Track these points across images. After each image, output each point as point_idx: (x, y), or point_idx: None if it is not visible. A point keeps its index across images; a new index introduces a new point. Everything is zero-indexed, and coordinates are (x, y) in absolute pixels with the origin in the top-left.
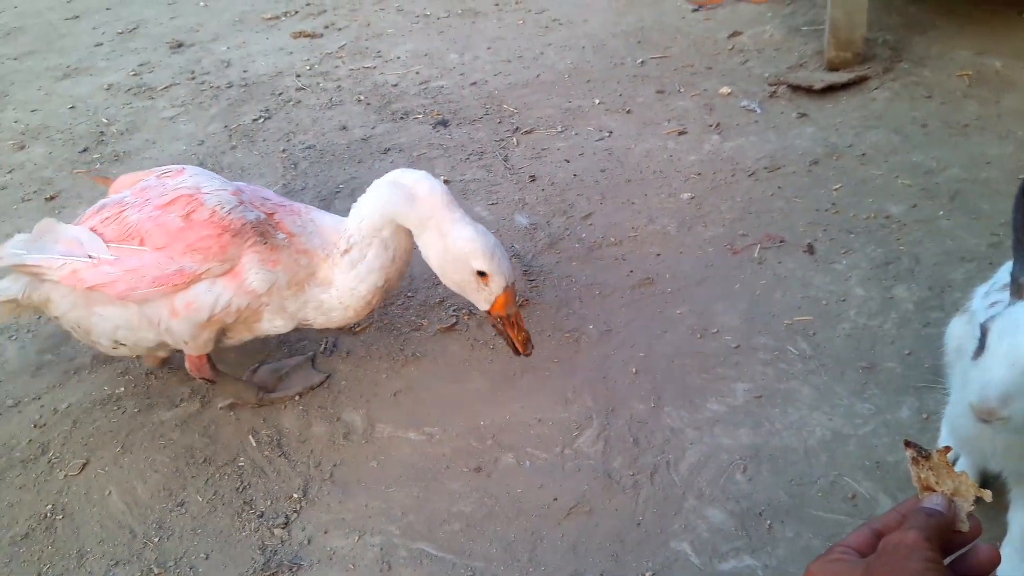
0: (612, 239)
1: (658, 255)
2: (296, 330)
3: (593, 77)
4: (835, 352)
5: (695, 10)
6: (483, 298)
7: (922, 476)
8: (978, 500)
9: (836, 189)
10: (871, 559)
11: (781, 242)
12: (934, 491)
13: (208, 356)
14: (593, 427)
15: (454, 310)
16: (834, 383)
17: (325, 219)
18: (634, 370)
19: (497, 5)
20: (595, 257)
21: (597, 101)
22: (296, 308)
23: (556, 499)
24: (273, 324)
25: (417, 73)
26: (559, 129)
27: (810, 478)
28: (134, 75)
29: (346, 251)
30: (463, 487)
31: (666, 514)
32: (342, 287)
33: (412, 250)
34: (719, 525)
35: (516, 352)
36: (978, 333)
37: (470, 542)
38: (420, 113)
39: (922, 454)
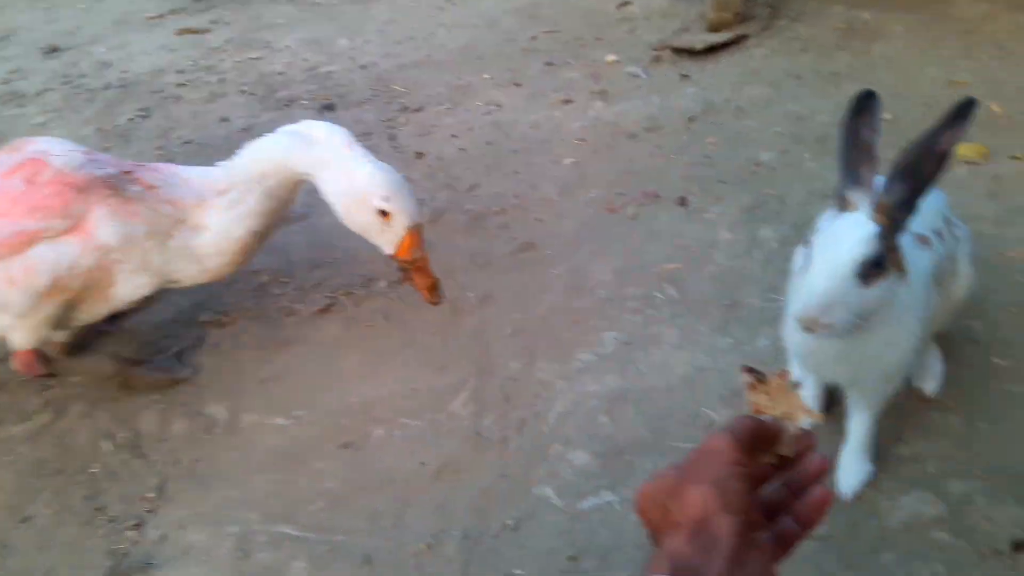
0: (496, 208)
1: (540, 220)
2: (158, 329)
3: (485, 54)
4: (701, 294)
5: None
6: (387, 240)
7: (756, 400)
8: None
9: (711, 143)
10: (684, 463)
11: (656, 197)
12: (763, 414)
13: (39, 351)
14: (467, 390)
15: (330, 291)
16: (698, 323)
17: (192, 172)
18: (510, 331)
19: None
20: (479, 227)
21: (487, 76)
22: (163, 261)
23: (424, 464)
24: (132, 285)
25: (305, 60)
26: (448, 106)
27: (670, 412)
28: (3, 83)
29: (223, 192)
30: (329, 465)
31: (532, 463)
32: (217, 228)
33: (293, 201)
34: (582, 467)
35: (425, 299)
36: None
37: (333, 518)
38: (306, 99)
39: (759, 379)
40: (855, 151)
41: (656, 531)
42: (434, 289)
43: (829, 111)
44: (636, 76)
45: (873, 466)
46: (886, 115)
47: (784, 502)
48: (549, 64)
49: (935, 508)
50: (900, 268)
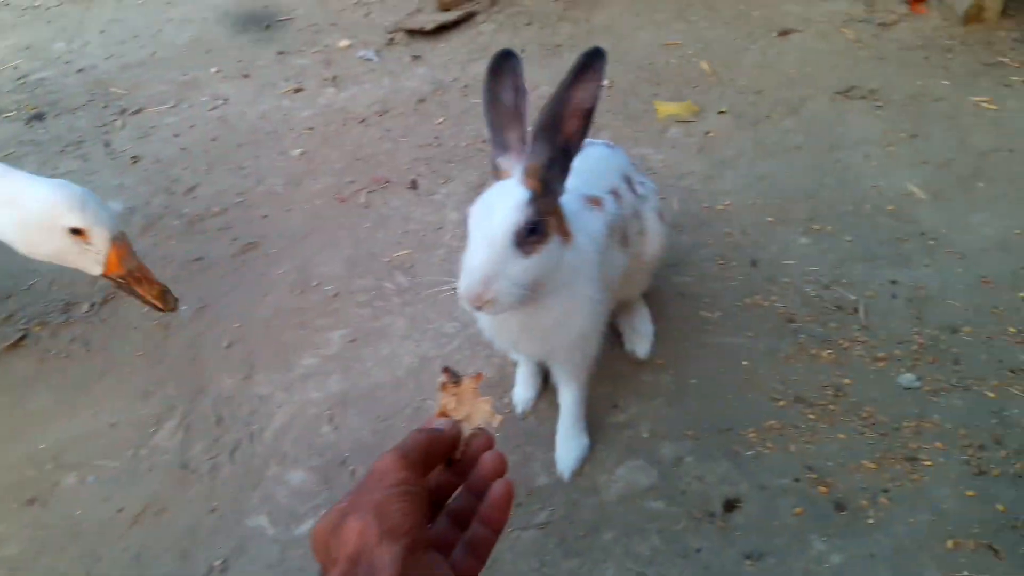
0: (217, 208)
1: (265, 217)
2: None
3: (214, 47)
4: (430, 278)
5: None
6: (90, 261)
7: (445, 402)
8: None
9: (439, 123)
10: (352, 491)
11: (386, 183)
12: (448, 416)
13: None
14: (175, 417)
15: (22, 324)
16: (427, 309)
17: None
18: (227, 343)
19: None
20: (197, 231)
21: (215, 70)
22: None
23: (121, 509)
24: None
25: (15, 68)
26: (172, 104)
27: (397, 409)
28: None
29: None
30: (10, 528)
31: (244, 490)
32: None
33: None
34: (300, 486)
35: (157, 309)
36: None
37: None
38: (12, 110)
39: (454, 380)
40: (499, 115)
41: (325, 572)
42: (163, 296)
43: (548, 82)
44: (368, 60)
45: (588, 439)
46: (605, 81)
47: (472, 508)
48: (281, 53)
49: (649, 476)
50: (564, 232)
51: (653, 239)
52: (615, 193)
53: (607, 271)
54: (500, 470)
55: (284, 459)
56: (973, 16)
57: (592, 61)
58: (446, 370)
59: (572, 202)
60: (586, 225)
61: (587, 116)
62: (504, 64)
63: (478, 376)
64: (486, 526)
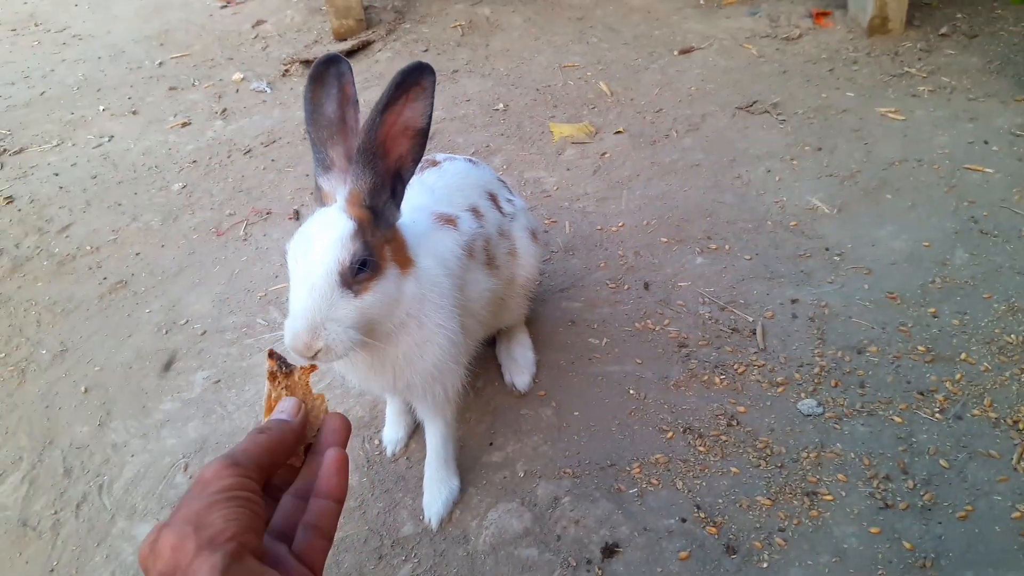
0: (89, 247)
1: (138, 254)
2: None
3: (104, 85)
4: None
5: (223, 6)
6: None
7: (274, 391)
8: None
9: None
10: (176, 506)
11: (268, 214)
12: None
13: None
14: (21, 469)
15: None
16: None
17: None
18: (84, 389)
19: (14, 30)
20: (65, 271)
21: (103, 108)
22: None
23: None
24: None
25: None
26: (55, 143)
27: None
28: None
29: None
30: None
31: (88, 548)
32: None
33: None
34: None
35: None
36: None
37: None
38: None
39: (283, 370)
40: (320, 129)
41: None
42: None
43: (442, 107)
44: (261, 91)
45: (458, 482)
46: (499, 105)
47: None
48: (172, 88)
49: (522, 520)
50: (403, 261)
51: (525, 260)
52: (475, 211)
53: (469, 294)
54: (341, 437)
55: (133, 513)
56: (877, 27)
57: (416, 78)
58: (273, 355)
59: (420, 222)
60: (435, 247)
61: (420, 135)
62: (328, 70)
63: (312, 368)
64: (326, 497)
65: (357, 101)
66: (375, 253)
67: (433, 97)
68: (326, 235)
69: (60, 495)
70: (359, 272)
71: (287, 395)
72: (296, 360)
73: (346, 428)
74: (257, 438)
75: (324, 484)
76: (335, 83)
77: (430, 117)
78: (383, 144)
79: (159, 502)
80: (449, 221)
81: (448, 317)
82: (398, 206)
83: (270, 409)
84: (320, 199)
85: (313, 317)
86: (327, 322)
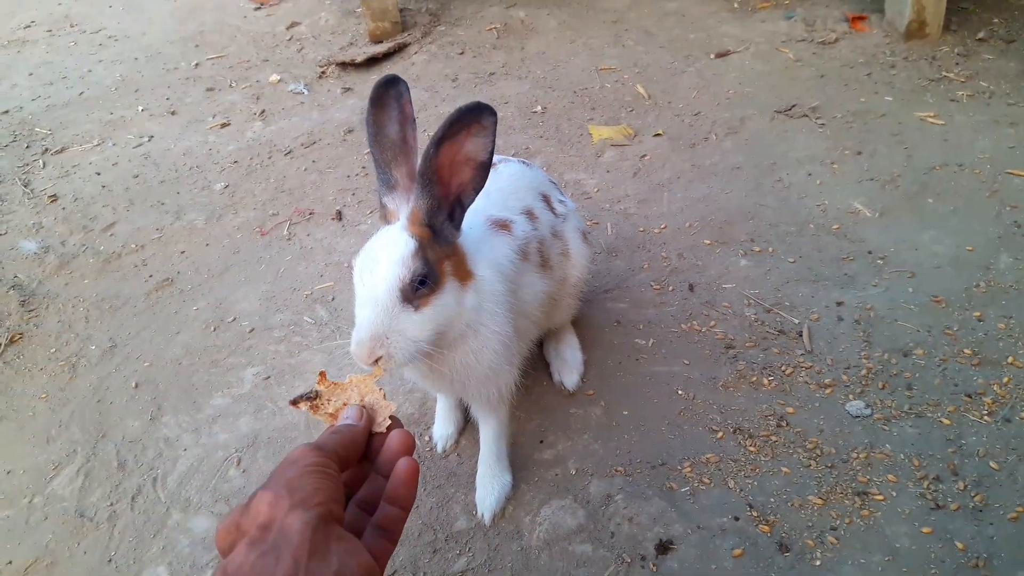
0: (134, 245)
1: (183, 252)
2: None
3: (142, 86)
4: (351, 312)
5: (257, 8)
6: None
7: (327, 411)
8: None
9: (367, 153)
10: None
11: (311, 215)
12: (335, 418)
13: None
14: (75, 462)
15: None
16: (346, 343)
17: None
18: (135, 384)
19: (50, 31)
20: (112, 269)
21: (141, 108)
22: None
23: (10, 562)
24: None
25: None
26: (96, 143)
27: None
28: None
29: None
30: None
31: (144, 540)
32: None
33: None
34: (203, 535)
35: None
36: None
37: None
38: None
39: (310, 397)
40: (383, 150)
41: (228, 554)
42: None
43: None
44: (299, 93)
45: (511, 478)
46: (537, 107)
47: (379, 491)
48: (210, 90)
49: (576, 517)
50: (463, 275)
51: (577, 261)
52: (529, 213)
53: (524, 297)
54: (408, 447)
55: (188, 506)
56: (915, 32)
57: (475, 116)
58: (296, 401)
59: (476, 227)
60: (491, 254)
61: (482, 168)
62: (387, 92)
63: (322, 374)
64: (394, 504)
65: (415, 120)
66: (435, 269)
67: (495, 135)
68: (388, 254)
69: (115, 487)
70: (419, 288)
71: (331, 403)
72: (359, 364)
73: (412, 444)
74: (332, 436)
75: (394, 492)
76: (395, 104)
77: (491, 152)
78: (441, 172)
79: (213, 495)
80: (504, 226)
81: (503, 323)
82: (457, 227)
83: (331, 420)
84: (384, 217)
85: (376, 329)
86: (390, 333)
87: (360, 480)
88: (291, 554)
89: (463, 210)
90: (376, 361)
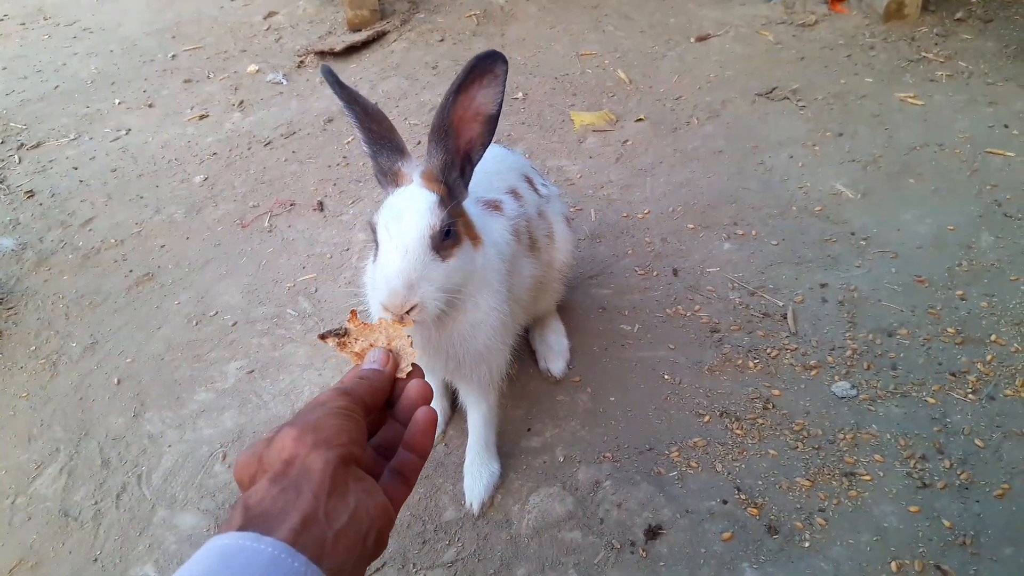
0: (113, 240)
1: (163, 247)
2: None
3: (118, 78)
4: (334, 302)
5: None
6: None
7: (353, 351)
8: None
9: (348, 143)
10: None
11: (292, 206)
12: (362, 357)
13: None
14: (58, 461)
15: None
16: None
17: None
18: (117, 381)
19: (23, 24)
20: (91, 265)
21: (118, 101)
22: None
23: None
24: None
25: None
26: (72, 137)
27: None
28: None
29: None
30: None
31: (130, 538)
32: None
33: None
34: (190, 531)
35: None
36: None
37: None
38: None
39: (339, 334)
40: (381, 121)
41: (248, 488)
42: None
43: None
44: (277, 83)
45: (499, 466)
46: (518, 94)
47: (397, 438)
48: (188, 81)
49: (564, 504)
50: (474, 237)
51: (561, 245)
52: (514, 193)
53: (516, 280)
54: (426, 397)
55: (173, 502)
56: (894, 13)
57: (489, 65)
58: (325, 336)
59: (469, 208)
60: (490, 232)
61: (490, 121)
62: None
63: (353, 312)
64: (412, 451)
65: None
66: (455, 223)
67: (504, 85)
68: (416, 206)
69: (99, 486)
70: (445, 239)
71: (359, 342)
72: (386, 317)
73: (430, 394)
74: (359, 382)
75: (412, 439)
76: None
77: (500, 104)
78: (455, 126)
79: (199, 491)
80: (495, 207)
81: (501, 300)
82: (466, 185)
83: (357, 359)
84: (396, 180)
85: (409, 276)
86: (421, 281)
87: (378, 424)
88: (312, 491)
89: (472, 167)
90: (409, 312)
